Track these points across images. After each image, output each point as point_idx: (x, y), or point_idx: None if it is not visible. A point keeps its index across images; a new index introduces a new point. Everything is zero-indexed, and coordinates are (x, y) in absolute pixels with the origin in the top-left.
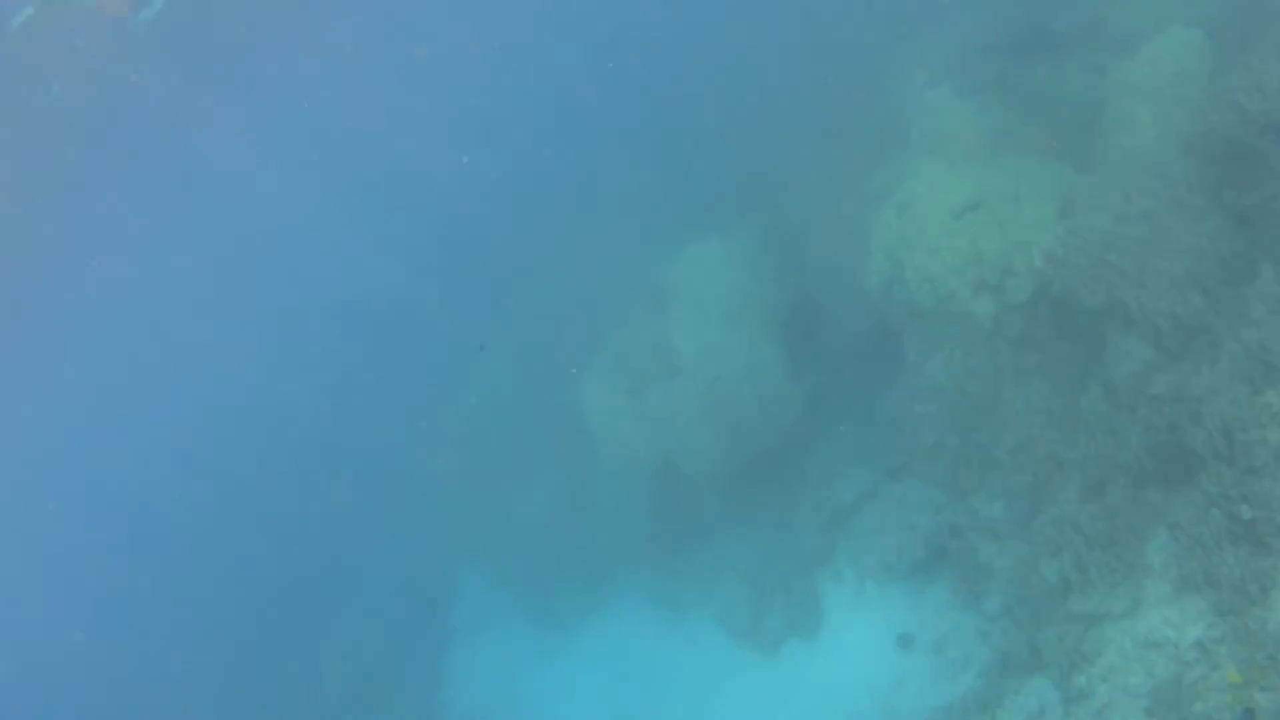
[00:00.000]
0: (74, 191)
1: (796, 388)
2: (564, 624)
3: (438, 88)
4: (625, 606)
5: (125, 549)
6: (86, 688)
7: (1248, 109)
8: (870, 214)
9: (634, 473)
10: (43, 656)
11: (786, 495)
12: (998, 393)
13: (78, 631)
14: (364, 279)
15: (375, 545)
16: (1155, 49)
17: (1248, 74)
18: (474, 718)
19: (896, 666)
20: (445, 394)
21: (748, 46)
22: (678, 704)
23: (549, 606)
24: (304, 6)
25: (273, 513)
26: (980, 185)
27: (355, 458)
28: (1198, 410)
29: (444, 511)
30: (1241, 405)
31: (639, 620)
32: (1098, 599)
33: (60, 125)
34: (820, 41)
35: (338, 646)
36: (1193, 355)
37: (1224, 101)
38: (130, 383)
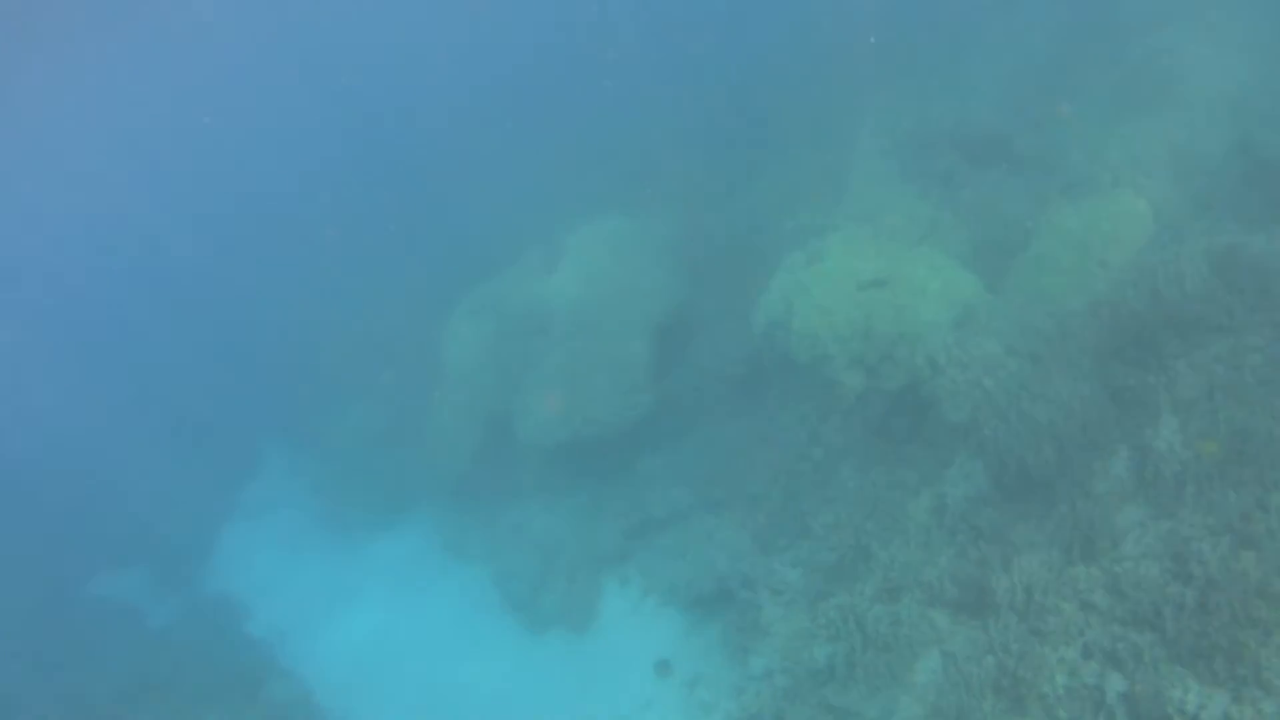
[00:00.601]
0: None
1: (652, 388)
2: (350, 534)
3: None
4: (414, 537)
5: None
6: None
7: (1163, 296)
8: (781, 252)
9: (469, 413)
10: None
11: (604, 488)
12: (836, 467)
13: None
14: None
15: (181, 395)
16: (1100, 204)
17: (1174, 264)
18: (231, 594)
19: (647, 689)
20: (321, 276)
21: (717, 45)
22: (428, 645)
23: (342, 512)
24: None
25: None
26: (893, 266)
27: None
28: (1010, 558)
29: (271, 385)
30: (1051, 570)
31: (423, 554)
32: (855, 697)
33: None
34: (793, 68)
35: (114, 493)
36: (1025, 503)
37: (1143, 280)
38: None
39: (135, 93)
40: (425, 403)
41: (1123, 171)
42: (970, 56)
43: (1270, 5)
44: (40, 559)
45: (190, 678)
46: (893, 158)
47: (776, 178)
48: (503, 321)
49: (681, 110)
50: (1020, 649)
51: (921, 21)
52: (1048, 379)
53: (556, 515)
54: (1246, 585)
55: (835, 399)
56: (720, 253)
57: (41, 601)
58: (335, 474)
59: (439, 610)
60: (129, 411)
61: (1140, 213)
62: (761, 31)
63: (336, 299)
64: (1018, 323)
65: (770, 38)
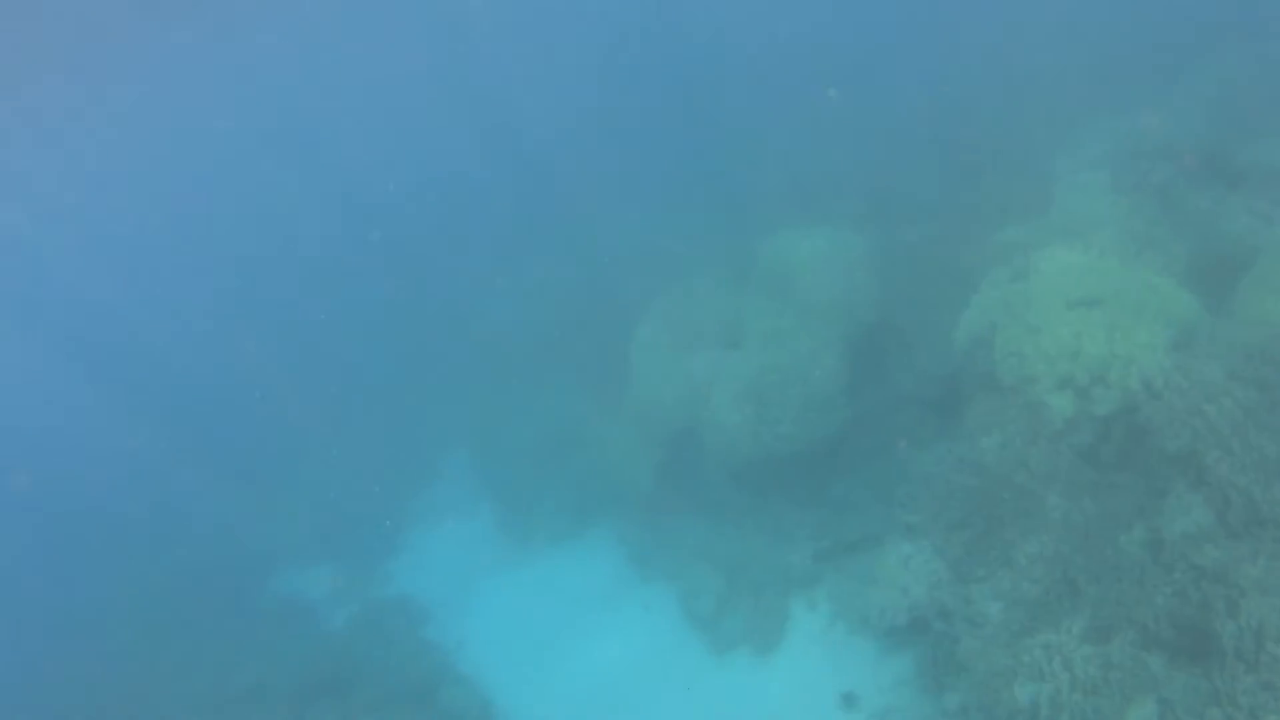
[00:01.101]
0: None
1: (846, 406)
2: (531, 542)
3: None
4: (597, 549)
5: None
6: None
7: None
8: (985, 268)
9: (656, 426)
10: None
11: (793, 508)
12: (1042, 495)
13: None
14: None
15: (369, 398)
16: None
17: None
18: (409, 598)
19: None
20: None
21: (915, 60)
22: (609, 659)
23: (524, 521)
24: None
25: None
26: (1106, 284)
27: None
28: (1237, 601)
29: (455, 393)
30: None
31: (605, 567)
32: None
33: None
34: (997, 81)
35: (307, 484)
36: (1254, 542)
37: None
38: None
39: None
40: (611, 412)
41: None
42: (1188, 65)
43: None
44: (224, 552)
45: (367, 681)
46: (1104, 170)
47: (980, 190)
48: (691, 332)
49: (880, 120)
50: (1250, 703)
51: (1134, 27)
52: (1278, 409)
53: (743, 533)
54: None
55: (1042, 422)
56: (920, 268)
57: (225, 596)
58: (516, 480)
59: (620, 625)
60: (322, 406)
61: None
62: (967, 39)
63: (525, 299)
64: (1242, 347)
65: (976, 46)
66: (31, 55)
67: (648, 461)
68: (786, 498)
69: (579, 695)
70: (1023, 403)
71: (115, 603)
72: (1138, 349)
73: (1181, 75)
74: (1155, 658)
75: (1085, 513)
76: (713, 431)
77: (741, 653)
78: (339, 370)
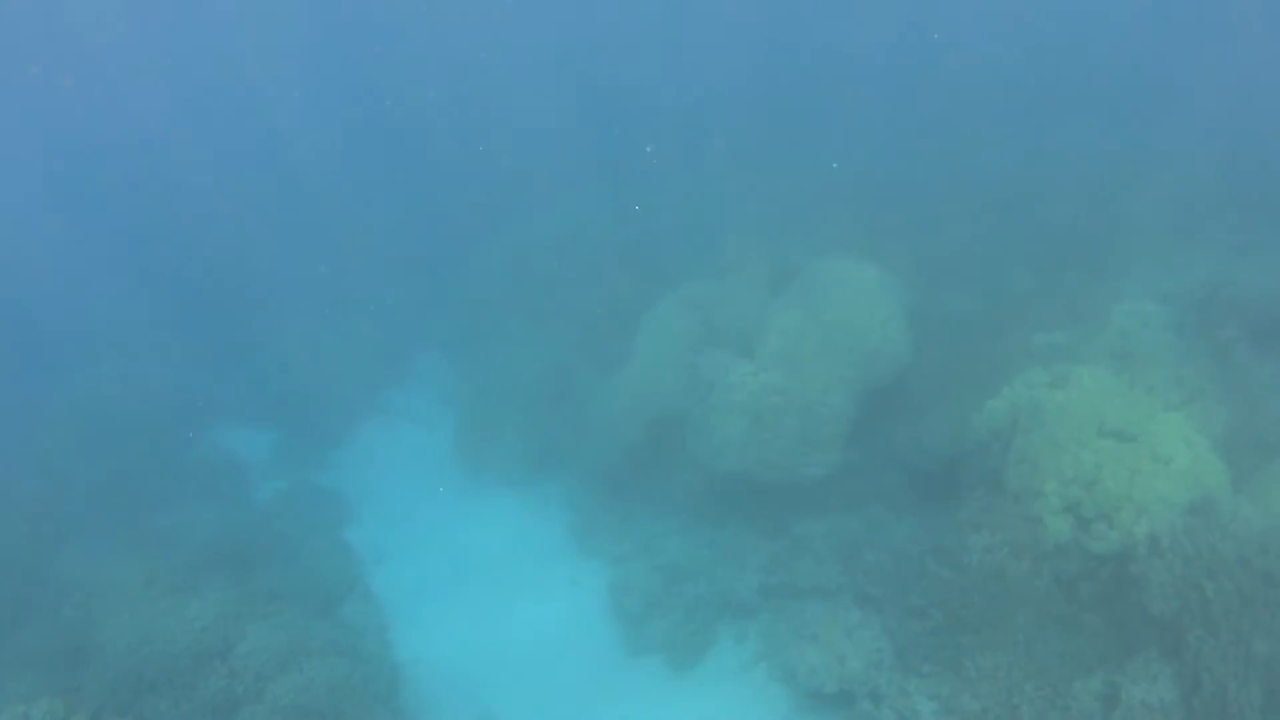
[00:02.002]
0: None
1: (841, 451)
2: (482, 476)
3: None
4: (545, 506)
5: None
6: None
7: None
8: (1023, 364)
9: (645, 407)
10: None
11: (755, 534)
12: (1013, 613)
13: None
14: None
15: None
16: None
17: None
18: (343, 494)
19: None
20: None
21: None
22: (518, 621)
23: (482, 452)
24: None
25: None
26: (1144, 424)
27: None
28: None
29: (458, 303)
30: None
31: (547, 527)
32: None
33: None
34: (1095, 184)
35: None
36: None
37: None
38: None
39: None
40: (606, 376)
41: None
42: None
43: None
44: (174, 399)
45: (272, 566)
46: (1172, 307)
47: (1041, 283)
48: (710, 325)
49: (967, 189)
50: None
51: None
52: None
53: (696, 543)
54: None
55: (1034, 539)
56: (957, 340)
57: (162, 436)
58: (487, 409)
59: (543, 590)
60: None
61: None
62: (1079, 140)
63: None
64: (1260, 535)
65: (1084, 145)
66: None
67: (625, 439)
68: (749, 522)
69: (480, 648)
70: (1021, 513)
71: (51, 421)
72: (1155, 500)
73: None
74: None
75: (1049, 646)
76: (699, 434)
77: (654, 661)
78: (348, 249)
